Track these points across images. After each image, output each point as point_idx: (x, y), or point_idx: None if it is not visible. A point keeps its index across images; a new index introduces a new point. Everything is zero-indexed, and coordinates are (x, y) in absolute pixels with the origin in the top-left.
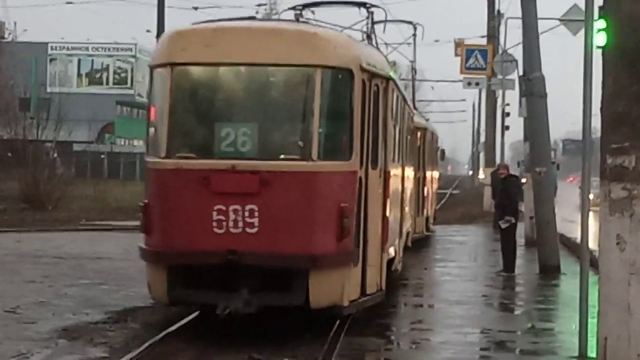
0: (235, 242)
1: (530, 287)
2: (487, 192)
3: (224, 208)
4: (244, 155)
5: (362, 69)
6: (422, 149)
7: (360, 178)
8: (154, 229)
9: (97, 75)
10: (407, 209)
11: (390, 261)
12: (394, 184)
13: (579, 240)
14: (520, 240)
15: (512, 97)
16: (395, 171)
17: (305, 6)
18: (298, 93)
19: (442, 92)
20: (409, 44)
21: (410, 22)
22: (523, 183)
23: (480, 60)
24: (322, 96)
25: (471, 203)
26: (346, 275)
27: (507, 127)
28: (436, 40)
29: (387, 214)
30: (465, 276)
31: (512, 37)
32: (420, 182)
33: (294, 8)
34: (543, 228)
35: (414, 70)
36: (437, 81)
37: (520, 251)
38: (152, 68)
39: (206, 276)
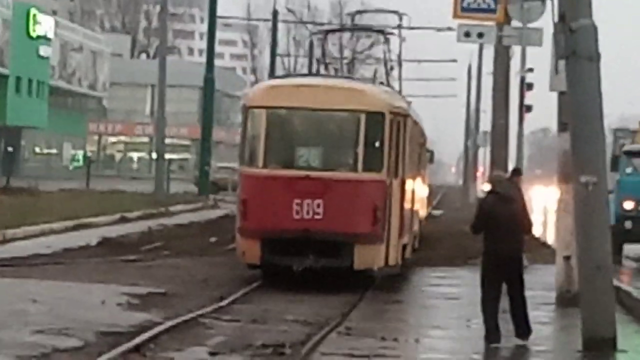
0: (307, 224)
1: None
2: None
3: (300, 202)
4: (314, 168)
5: (390, 112)
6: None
7: (387, 185)
8: (251, 215)
9: None
10: (417, 207)
11: (404, 247)
12: (408, 188)
13: None
14: (549, 296)
15: (537, 59)
16: (408, 180)
17: (329, 32)
18: (350, 128)
19: (419, 48)
20: (393, 34)
21: (395, 12)
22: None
23: None
24: (365, 130)
25: (464, 232)
26: (377, 250)
27: (529, 108)
28: None
29: (404, 211)
30: (460, 353)
31: None
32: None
33: (318, 32)
34: (591, 277)
35: (400, 65)
36: (413, 28)
37: (549, 312)
38: (249, 108)
39: (286, 246)
